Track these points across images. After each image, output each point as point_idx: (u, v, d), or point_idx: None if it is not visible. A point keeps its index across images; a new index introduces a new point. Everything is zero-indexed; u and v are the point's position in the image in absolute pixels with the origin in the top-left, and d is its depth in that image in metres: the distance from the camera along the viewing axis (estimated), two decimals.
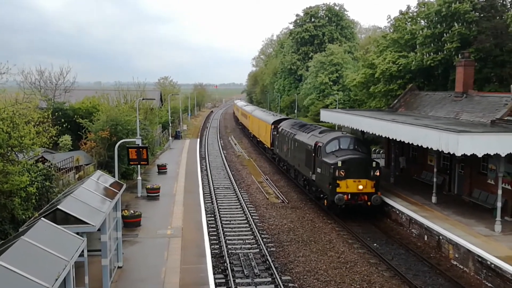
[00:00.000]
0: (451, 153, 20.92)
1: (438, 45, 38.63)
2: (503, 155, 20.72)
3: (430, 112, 33.03)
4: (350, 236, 25.00)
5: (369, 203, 26.62)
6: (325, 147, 28.49)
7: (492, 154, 20.80)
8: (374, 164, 26.84)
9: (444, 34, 37.86)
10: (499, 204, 21.93)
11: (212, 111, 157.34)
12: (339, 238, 24.88)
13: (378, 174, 26.77)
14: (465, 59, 31.67)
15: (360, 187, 26.52)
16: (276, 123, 46.36)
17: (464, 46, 36.06)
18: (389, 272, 20.25)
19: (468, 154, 20.49)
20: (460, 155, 20.56)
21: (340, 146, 28.53)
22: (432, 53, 38.73)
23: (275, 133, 44.68)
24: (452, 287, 18.87)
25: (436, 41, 38.98)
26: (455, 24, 36.95)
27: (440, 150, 21.89)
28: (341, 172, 26.37)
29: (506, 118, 25.06)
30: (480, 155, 20.69)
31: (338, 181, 26.46)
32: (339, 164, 26.46)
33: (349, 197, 26.50)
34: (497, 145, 20.55)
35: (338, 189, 26.49)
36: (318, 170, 29.00)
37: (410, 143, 24.79)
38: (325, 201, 28.26)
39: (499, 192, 21.97)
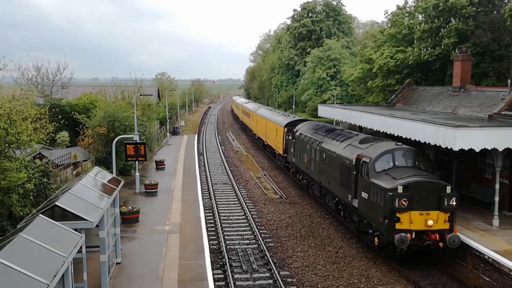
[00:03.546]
0: (449, 148, 20.93)
1: (436, 39, 38.60)
2: (500, 149, 20.75)
3: (427, 107, 33.05)
4: (348, 231, 25.03)
5: (441, 244, 19.43)
6: (374, 164, 21.21)
7: (489, 148, 20.81)
8: (448, 189, 19.72)
9: (442, 29, 37.83)
10: (496, 199, 21.98)
11: (209, 107, 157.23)
12: (337, 233, 24.92)
13: (454, 204, 19.62)
14: (463, 54, 31.69)
15: (430, 222, 19.34)
16: (291, 125, 39.31)
17: (462, 41, 36.06)
18: (386, 267, 20.31)
19: (466, 149, 20.49)
20: (457, 150, 20.56)
21: (395, 162, 21.28)
22: (429, 48, 38.70)
23: (290, 137, 37.39)
24: (450, 282, 18.93)
25: (433, 36, 38.96)
26: (452, 19, 36.92)
27: (437, 145, 21.89)
28: (403, 202, 19.19)
29: (503, 113, 25.08)
30: (477, 150, 20.69)
31: (398, 214, 19.32)
32: (400, 189, 19.22)
33: (413, 236, 19.33)
34: (494, 140, 20.55)
35: (398, 225, 19.32)
36: (364, 195, 21.61)
37: (408, 138, 24.78)
38: (376, 239, 20.73)
39: (497, 186, 22.01)
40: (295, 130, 36.35)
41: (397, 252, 19.64)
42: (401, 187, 19.28)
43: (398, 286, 18.56)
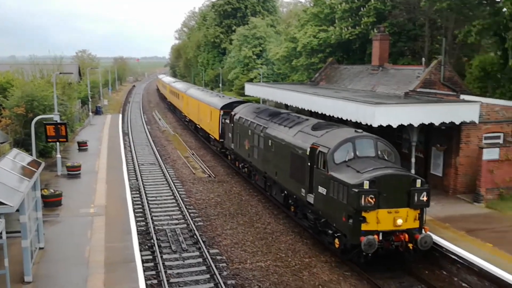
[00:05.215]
0: (369, 124, 21.82)
1: (356, 19, 39.88)
2: (415, 125, 21.91)
3: (349, 85, 34.20)
4: (276, 208, 25.65)
5: (410, 245, 17.19)
6: (332, 155, 18.43)
7: (405, 124, 21.92)
8: (418, 183, 17.33)
9: (361, 9, 39.07)
10: (412, 171, 23.26)
11: (134, 86, 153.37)
12: (265, 210, 25.46)
13: (425, 199, 17.27)
14: (381, 34, 32.96)
15: (399, 221, 16.96)
16: (227, 107, 36.02)
17: (380, 21, 37.49)
18: (311, 240, 21.09)
19: (384, 125, 21.45)
20: (377, 126, 21.47)
21: (356, 152, 18.65)
22: (350, 27, 39.92)
23: (227, 121, 34.01)
24: None
25: (353, 16, 40.22)
26: None
27: (358, 122, 22.77)
28: (370, 199, 16.64)
29: (418, 90, 26.52)
30: (395, 126, 21.71)
31: (364, 213, 16.78)
32: (366, 185, 16.68)
33: (381, 237, 16.94)
34: (410, 116, 21.60)
35: (364, 226, 16.81)
36: (321, 190, 18.79)
37: (331, 115, 25.54)
38: (337, 241, 18.22)
39: (413, 160, 23.30)
40: (233, 113, 32.83)
41: (363, 257, 17.13)
42: (367, 182, 16.67)
43: (323, 257, 19.35)
